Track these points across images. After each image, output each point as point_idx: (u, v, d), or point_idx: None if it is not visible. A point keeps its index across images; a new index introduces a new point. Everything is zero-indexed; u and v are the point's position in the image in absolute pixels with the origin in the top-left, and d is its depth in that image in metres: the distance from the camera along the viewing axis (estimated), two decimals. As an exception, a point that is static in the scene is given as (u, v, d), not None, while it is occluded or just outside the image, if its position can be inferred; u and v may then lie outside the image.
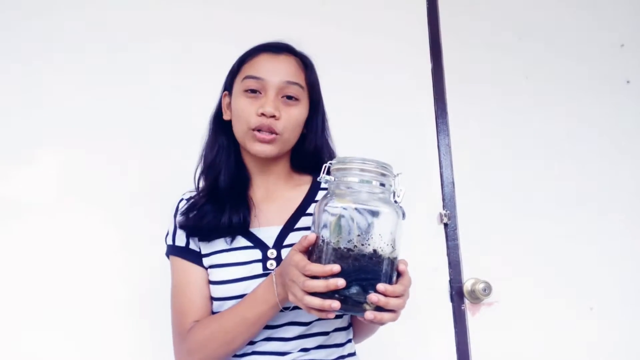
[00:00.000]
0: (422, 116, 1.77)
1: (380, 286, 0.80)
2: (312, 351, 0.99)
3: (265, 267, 0.98)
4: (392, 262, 0.83)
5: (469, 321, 1.66)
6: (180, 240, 1.04)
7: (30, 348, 1.36)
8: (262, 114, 0.98)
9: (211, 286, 1.01)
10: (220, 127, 1.09)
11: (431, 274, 1.67)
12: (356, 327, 1.09)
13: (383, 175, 0.85)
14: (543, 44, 1.88)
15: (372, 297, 0.79)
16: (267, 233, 1.02)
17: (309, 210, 1.05)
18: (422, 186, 1.72)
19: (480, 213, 1.74)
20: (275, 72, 1.01)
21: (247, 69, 1.03)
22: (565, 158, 1.82)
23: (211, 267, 1.01)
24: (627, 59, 1.92)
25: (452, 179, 1.74)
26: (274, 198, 1.07)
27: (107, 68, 1.52)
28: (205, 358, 0.96)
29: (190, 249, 1.03)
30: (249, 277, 0.98)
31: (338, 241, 0.81)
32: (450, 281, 1.67)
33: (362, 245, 0.81)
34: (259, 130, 0.99)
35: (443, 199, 1.73)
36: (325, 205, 0.84)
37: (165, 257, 1.08)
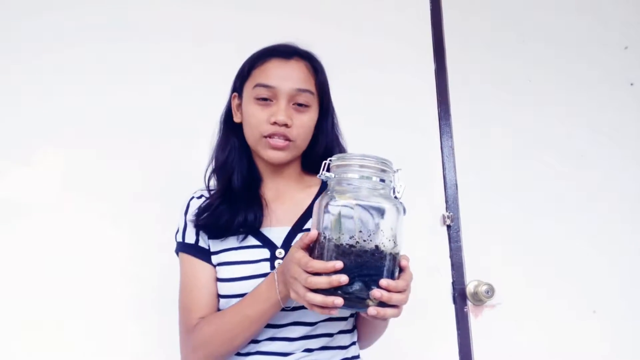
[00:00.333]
0: (425, 117, 1.77)
1: (383, 282, 0.79)
2: (315, 352, 0.98)
3: (272, 266, 0.99)
4: (394, 257, 0.82)
5: (471, 323, 1.65)
6: (190, 237, 1.05)
7: (31, 348, 1.35)
8: (275, 123, 0.99)
9: (219, 283, 1.01)
10: (231, 128, 1.09)
11: (434, 275, 1.66)
12: (361, 330, 1.08)
13: (383, 171, 0.85)
14: (546, 46, 1.88)
15: (376, 292, 0.79)
16: (277, 233, 1.02)
17: None
18: (425, 188, 1.71)
19: (483, 215, 1.73)
20: (286, 79, 1.01)
21: (258, 76, 1.03)
22: (568, 160, 1.82)
23: (219, 264, 1.01)
24: (630, 61, 1.92)
25: (455, 180, 1.74)
26: (284, 199, 1.07)
27: (107, 68, 1.52)
28: (209, 354, 0.96)
29: (200, 247, 1.04)
30: (256, 276, 0.98)
31: (340, 238, 0.81)
32: (453, 283, 1.67)
33: (364, 241, 0.81)
34: (271, 137, 0.99)
35: (446, 201, 1.72)
36: (326, 202, 0.84)
37: (170, 255, 1.09)
